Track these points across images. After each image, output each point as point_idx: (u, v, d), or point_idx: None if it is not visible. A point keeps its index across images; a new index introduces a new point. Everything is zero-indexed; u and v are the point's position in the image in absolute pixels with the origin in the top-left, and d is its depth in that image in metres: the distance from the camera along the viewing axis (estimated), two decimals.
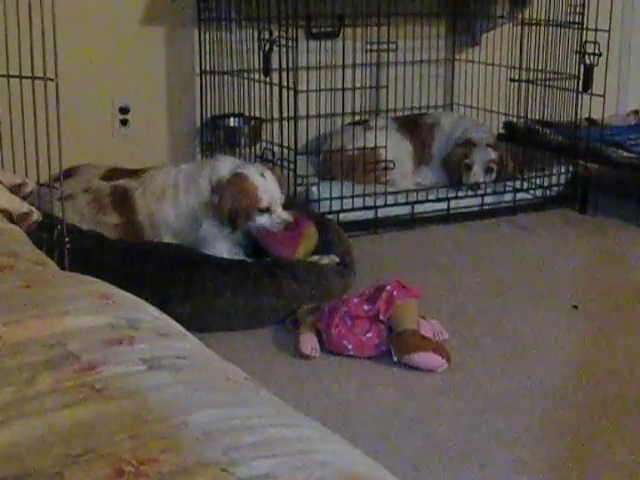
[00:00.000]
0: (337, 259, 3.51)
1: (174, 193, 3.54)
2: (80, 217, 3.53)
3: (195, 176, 3.54)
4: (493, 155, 4.60)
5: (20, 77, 2.99)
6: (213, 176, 3.49)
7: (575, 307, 3.43)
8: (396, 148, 4.52)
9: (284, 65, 4.00)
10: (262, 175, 3.48)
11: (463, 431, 2.55)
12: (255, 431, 1.35)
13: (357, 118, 4.49)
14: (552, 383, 2.84)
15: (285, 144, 4.11)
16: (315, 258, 3.48)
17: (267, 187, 3.46)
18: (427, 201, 4.44)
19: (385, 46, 4.23)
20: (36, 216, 2.92)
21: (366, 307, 3.02)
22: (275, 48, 4.02)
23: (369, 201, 4.29)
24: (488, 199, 4.58)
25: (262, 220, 3.44)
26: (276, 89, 4.08)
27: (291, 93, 4.02)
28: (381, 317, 2.97)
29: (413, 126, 4.76)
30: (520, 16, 4.77)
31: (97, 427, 1.35)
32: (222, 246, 3.48)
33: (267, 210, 3.45)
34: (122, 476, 1.22)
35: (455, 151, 4.63)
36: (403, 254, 4.05)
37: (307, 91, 4.15)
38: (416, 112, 4.95)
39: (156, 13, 4.42)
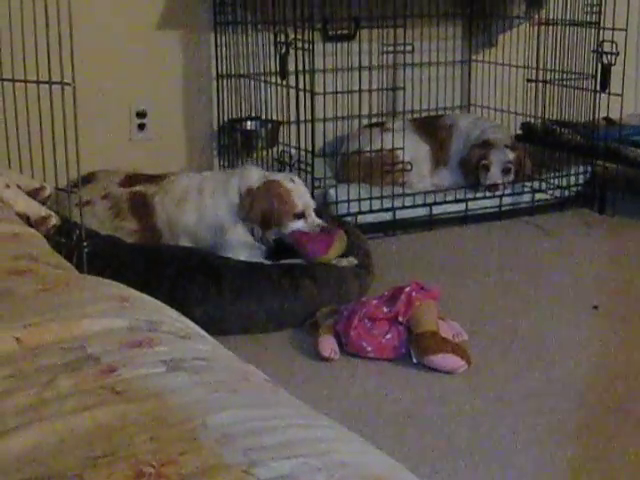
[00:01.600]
0: (355, 261, 3.51)
1: (198, 199, 3.56)
2: (99, 223, 3.55)
3: (223, 183, 3.55)
4: (511, 156, 4.58)
5: (38, 82, 3.00)
6: (242, 184, 3.51)
7: (595, 307, 3.42)
8: (413, 150, 4.51)
9: (300, 68, 4.00)
10: (292, 181, 3.54)
11: (483, 432, 2.54)
12: (275, 432, 1.35)
13: (374, 120, 4.48)
14: (572, 384, 2.83)
15: (302, 147, 4.11)
16: (334, 261, 3.47)
17: (301, 193, 3.52)
18: (445, 202, 4.42)
19: (401, 48, 4.22)
20: (54, 220, 2.93)
21: (385, 309, 3.01)
22: (291, 51, 4.02)
23: (387, 203, 4.28)
24: (506, 200, 4.56)
25: (297, 225, 3.48)
26: (293, 92, 4.08)
27: (308, 96, 4.02)
28: (400, 319, 2.97)
29: (430, 128, 4.75)
30: (536, 16, 4.76)
31: (117, 429, 1.35)
32: (243, 252, 3.48)
33: (302, 215, 3.48)
34: (142, 478, 1.22)
35: (473, 152, 4.61)
36: (421, 256, 4.04)
37: (324, 93, 4.15)
38: (433, 113, 4.94)
39: (172, 17, 4.43)
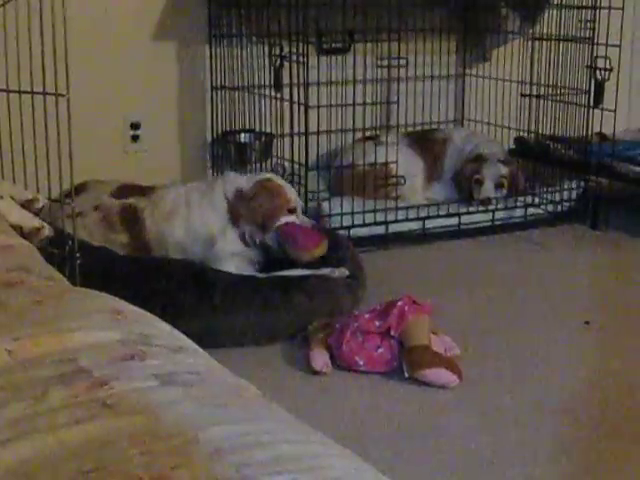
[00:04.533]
0: (347, 272, 3.50)
1: (186, 211, 3.55)
2: (90, 235, 3.54)
3: (208, 193, 3.55)
4: (504, 170, 4.59)
5: (32, 93, 3.00)
6: (228, 189, 3.51)
7: (587, 323, 3.42)
8: (407, 164, 4.51)
9: (295, 81, 4.00)
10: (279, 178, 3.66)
11: (475, 447, 2.54)
12: (267, 447, 1.34)
13: (367, 134, 4.49)
14: (564, 399, 2.83)
15: (296, 159, 4.12)
16: (326, 271, 3.47)
17: (291, 189, 3.61)
18: (438, 216, 4.43)
19: (395, 62, 4.23)
20: (47, 231, 2.92)
21: (377, 323, 3.01)
22: (286, 64, 4.03)
23: (380, 217, 4.28)
24: (499, 214, 4.57)
25: (289, 219, 3.52)
26: (287, 105, 4.09)
27: (302, 109, 4.02)
28: (392, 333, 2.97)
29: (424, 142, 4.75)
30: (530, 31, 4.77)
31: (109, 443, 1.34)
32: (234, 264, 3.48)
33: (294, 211, 3.53)
34: None
35: (466, 166, 4.62)
36: (414, 270, 4.04)
37: (318, 106, 4.16)
38: (427, 128, 4.95)
39: (167, 29, 4.43)
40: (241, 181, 3.56)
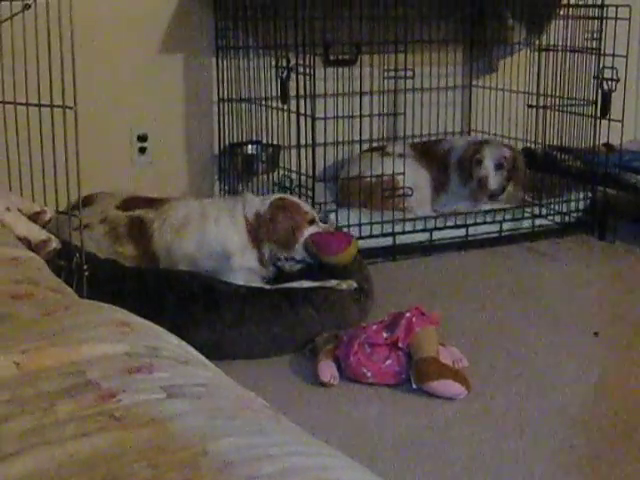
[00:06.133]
0: (355, 284, 3.50)
1: (200, 225, 3.54)
2: (97, 247, 3.54)
3: (229, 210, 3.56)
4: (506, 152, 4.58)
5: (39, 105, 3.01)
6: (248, 211, 3.53)
7: (596, 334, 3.41)
8: (414, 175, 4.50)
9: (302, 92, 4.00)
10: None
11: (484, 458, 2.53)
12: (275, 460, 1.34)
13: (374, 145, 4.49)
14: (573, 411, 2.82)
15: (303, 171, 4.11)
16: (333, 283, 3.47)
17: (303, 202, 3.68)
18: (445, 228, 4.42)
19: (402, 73, 4.23)
20: (55, 244, 2.93)
21: (385, 334, 3.00)
22: (293, 75, 4.03)
23: (387, 228, 4.28)
24: (507, 225, 4.56)
25: (313, 231, 3.57)
26: (294, 116, 4.09)
27: (309, 120, 4.02)
28: (400, 344, 2.96)
29: (429, 152, 4.74)
30: (537, 42, 4.77)
31: (116, 456, 1.34)
32: (244, 277, 3.48)
33: (313, 221, 3.58)
34: None
35: (468, 149, 4.63)
36: (421, 281, 4.04)
37: (325, 118, 4.16)
38: (433, 139, 4.94)
39: (174, 41, 4.44)
40: (256, 203, 3.56)
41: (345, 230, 4.11)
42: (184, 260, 3.52)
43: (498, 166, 4.56)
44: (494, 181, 4.55)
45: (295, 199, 3.67)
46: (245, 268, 3.51)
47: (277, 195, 3.69)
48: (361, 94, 4.29)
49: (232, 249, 3.51)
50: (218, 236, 3.52)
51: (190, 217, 3.57)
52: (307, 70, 3.96)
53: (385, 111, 4.60)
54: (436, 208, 4.64)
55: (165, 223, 3.57)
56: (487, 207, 4.57)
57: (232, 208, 3.57)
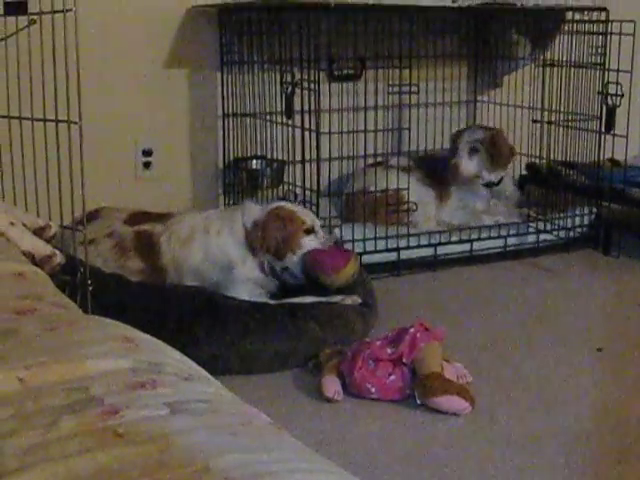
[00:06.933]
0: (359, 300, 3.50)
1: (204, 237, 3.55)
2: (103, 262, 3.55)
3: (228, 220, 3.56)
4: (481, 134, 4.58)
5: (44, 120, 3.01)
6: (246, 219, 3.52)
7: (599, 350, 3.40)
8: (418, 190, 4.49)
9: (306, 107, 4.01)
10: (293, 204, 3.67)
11: (489, 475, 2.52)
12: (278, 477, 1.33)
13: (379, 160, 4.49)
14: (577, 427, 2.81)
15: (307, 186, 4.12)
16: (338, 298, 3.47)
17: (305, 211, 3.63)
18: (450, 243, 4.43)
19: (407, 88, 4.23)
20: (59, 259, 2.92)
21: (389, 350, 3.00)
22: (297, 91, 4.04)
23: (392, 243, 4.28)
24: (511, 240, 4.56)
25: (309, 242, 3.52)
26: (298, 131, 4.09)
27: (313, 135, 4.03)
28: (404, 360, 2.96)
29: (430, 166, 4.73)
30: (541, 57, 4.78)
31: (120, 472, 1.34)
32: (247, 290, 3.48)
33: (312, 231, 3.53)
34: None
35: (452, 136, 4.64)
36: (426, 296, 4.03)
37: (329, 133, 4.16)
38: (429, 152, 4.91)
39: (179, 56, 4.45)
40: (257, 211, 3.56)
41: (349, 244, 4.12)
42: (191, 272, 3.53)
43: (473, 150, 4.55)
44: (467, 166, 4.54)
45: (294, 208, 3.62)
46: (248, 280, 3.50)
47: (275, 203, 3.66)
48: (366, 109, 4.29)
49: (234, 259, 3.51)
50: (220, 247, 3.53)
51: (195, 229, 3.59)
52: (312, 85, 3.97)
53: (390, 126, 4.61)
54: (439, 220, 4.62)
55: (172, 236, 3.58)
56: (490, 221, 4.58)
57: (232, 218, 3.58)
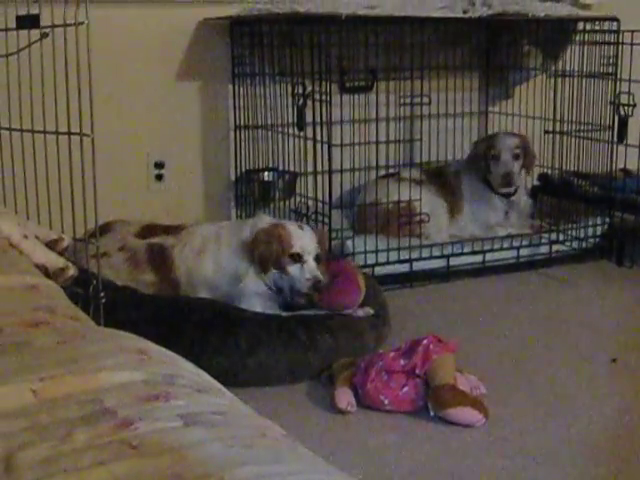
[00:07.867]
0: (372, 311, 3.50)
1: (216, 249, 3.55)
2: (116, 275, 3.55)
3: (237, 232, 3.55)
4: (517, 140, 4.61)
5: (57, 133, 3.02)
6: (253, 231, 3.50)
7: (614, 360, 3.39)
8: (429, 201, 4.49)
9: (318, 119, 4.02)
10: (300, 227, 3.53)
11: None
12: None
13: (391, 171, 4.49)
14: (592, 438, 2.80)
15: (319, 198, 4.12)
16: (350, 310, 3.47)
17: (300, 236, 3.46)
18: (462, 254, 4.42)
19: (418, 99, 4.24)
20: (72, 271, 2.93)
21: (402, 362, 2.99)
22: (309, 102, 4.04)
23: (404, 254, 4.27)
24: (524, 251, 4.56)
25: (293, 269, 3.42)
26: (310, 143, 4.10)
27: (325, 147, 4.03)
28: (417, 372, 2.95)
29: (440, 177, 4.72)
30: (553, 68, 4.78)
31: None
32: (258, 302, 3.47)
33: (299, 258, 3.43)
34: None
35: (478, 145, 4.65)
36: (438, 307, 4.02)
37: (341, 145, 4.16)
38: (440, 164, 4.91)
39: (191, 69, 4.46)
40: (264, 224, 3.53)
41: (361, 256, 4.11)
42: (203, 284, 3.53)
43: (515, 157, 4.58)
44: (516, 174, 4.59)
45: (292, 230, 3.47)
46: (257, 292, 3.49)
47: (274, 221, 3.58)
48: (377, 120, 4.29)
49: (241, 271, 3.50)
50: (228, 259, 3.53)
51: (207, 241, 3.58)
52: (323, 97, 3.97)
53: (401, 137, 4.61)
54: (452, 232, 4.62)
55: (185, 249, 3.58)
56: (503, 233, 4.57)
57: (240, 230, 3.57)
